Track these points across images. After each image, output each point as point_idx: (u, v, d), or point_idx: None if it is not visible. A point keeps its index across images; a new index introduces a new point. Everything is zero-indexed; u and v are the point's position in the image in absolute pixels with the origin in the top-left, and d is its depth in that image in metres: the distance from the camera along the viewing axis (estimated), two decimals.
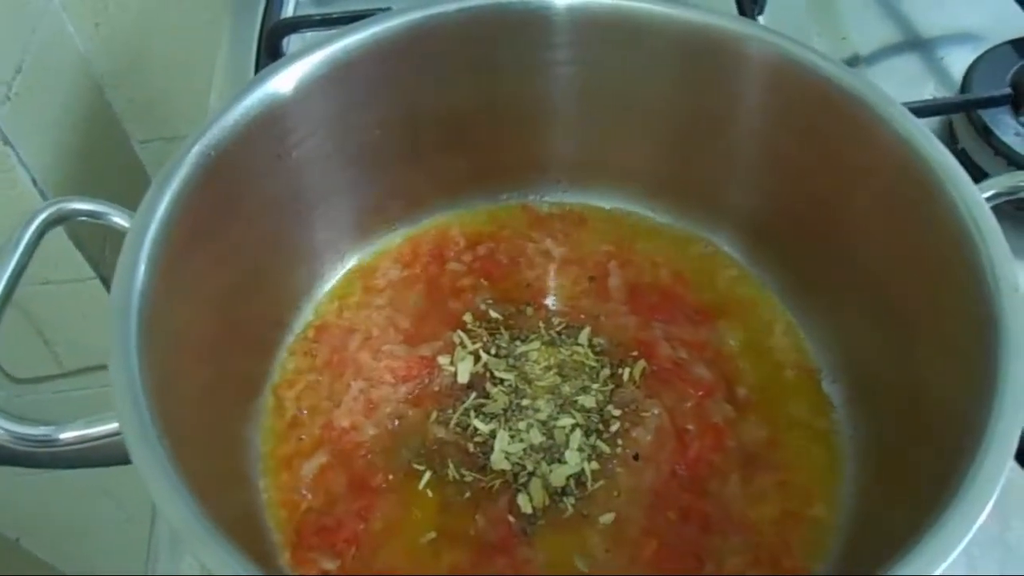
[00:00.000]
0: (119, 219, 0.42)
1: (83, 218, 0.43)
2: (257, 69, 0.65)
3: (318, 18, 0.64)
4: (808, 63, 0.43)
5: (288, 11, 0.67)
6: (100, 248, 0.81)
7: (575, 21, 0.46)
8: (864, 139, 0.42)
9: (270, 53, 0.65)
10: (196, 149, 0.39)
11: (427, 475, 0.44)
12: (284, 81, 0.43)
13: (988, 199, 0.39)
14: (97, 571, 1.24)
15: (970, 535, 0.30)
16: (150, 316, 0.35)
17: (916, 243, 0.40)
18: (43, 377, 0.91)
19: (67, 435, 0.35)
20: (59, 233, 0.74)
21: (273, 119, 0.43)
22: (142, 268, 0.36)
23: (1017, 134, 0.57)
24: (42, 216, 0.40)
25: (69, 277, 0.80)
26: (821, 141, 0.44)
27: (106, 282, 0.82)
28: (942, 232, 0.38)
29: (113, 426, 0.34)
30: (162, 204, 0.38)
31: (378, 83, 0.47)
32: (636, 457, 0.45)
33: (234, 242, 0.44)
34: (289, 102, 0.44)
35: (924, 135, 0.39)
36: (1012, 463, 0.40)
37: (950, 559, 0.30)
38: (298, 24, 0.64)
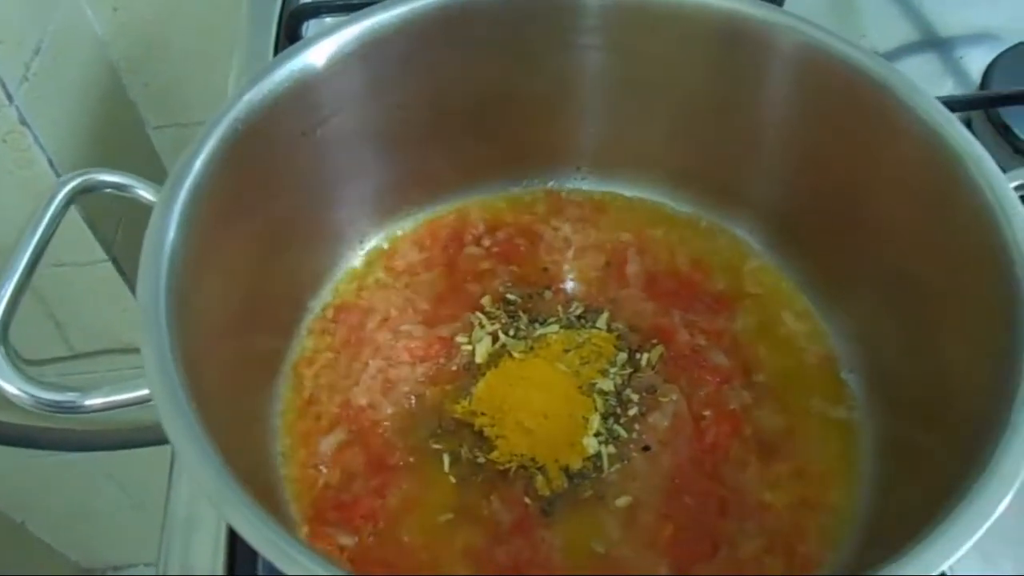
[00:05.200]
0: (144, 192, 0.43)
1: (109, 190, 0.43)
2: (276, 54, 0.65)
3: (339, 2, 0.64)
4: (836, 51, 0.43)
5: None
6: (113, 230, 0.81)
7: (607, 5, 0.46)
8: (890, 127, 0.42)
9: (290, 38, 0.65)
10: (225, 121, 0.40)
11: (444, 454, 0.45)
12: (314, 56, 0.43)
13: (1018, 187, 0.39)
14: (100, 555, 1.24)
15: (985, 527, 0.30)
16: (178, 284, 0.36)
17: (941, 232, 0.40)
18: (52, 359, 0.92)
19: (93, 401, 0.35)
20: (73, 214, 0.75)
21: (300, 95, 0.43)
22: (171, 234, 0.36)
23: None
24: (70, 186, 0.41)
25: (82, 259, 0.81)
26: (847, 130, 0.44)
27: (118, 264, 0.82)
28: (968, 220, 0.38)
29: (139, 393, 0.35)
30: (191, 173, 0.38)
31: (405, 63, 0.47)
32: (647, 448, 0.45)
33: (257, 217, 0.44)
34: (318, 78, 0.44)
35: (951, 123, 0.40)
36: None
37: (961, 552, 0.29)
38: (319, 8, 0.64)
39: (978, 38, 0.70)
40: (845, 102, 0.43)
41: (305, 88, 0.43)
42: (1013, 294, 0.35)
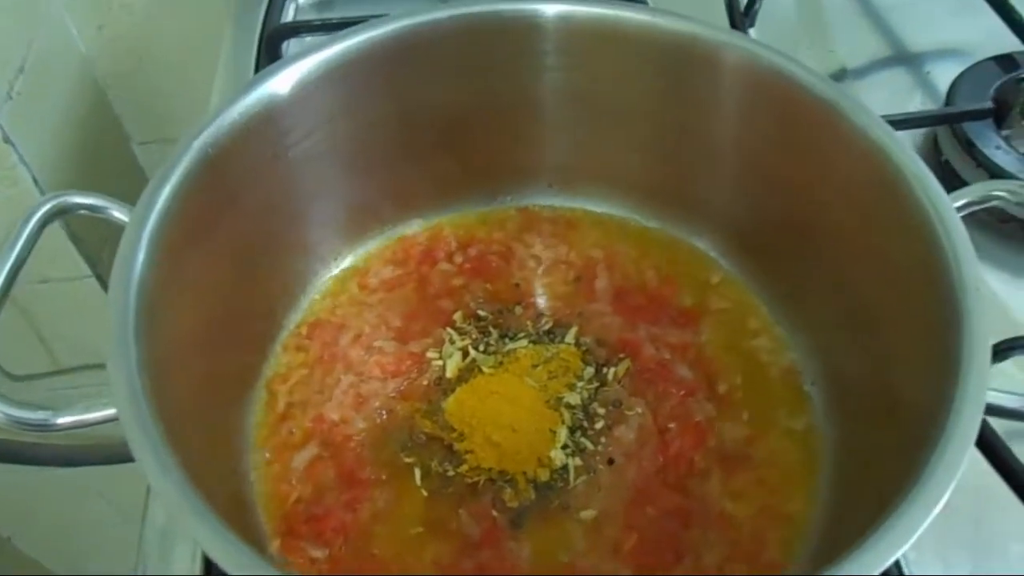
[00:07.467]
0: (119, 213, 0.43)
1: (83, 212, 0.44)
2: (257, 72, 0.66)
3: (318, 23, 0.65)
4: (783, 70, 0.44)
5: (288, 16, 0.68)
6: (98, 247, 0.82)
7: (563, 28, 0.48)
8: (838, 146, 0.43)
9: (270, 57, 0.66)
10: (195, 146, 0.41)
11: (415, 468, 0.45)
12: (282, 82, 0.45)
13: (961, 207, 0.40)
14: (88, 571, 1.24)
15: (928, 520, 0.30)
16: (148, 305, 0.36)
17: (888, 248, 0.41)
18: (39, 374, 0.92)
19: (64, 420, 0.36)
20: (58, 231, 0.76)
21: (270, 119, 0.44)
22: (140, 257, 0.37)
23: (999, 147, 0.59)
24: (44, 209, 0.41)
25: (67, 275, 0.81)
26: (798, 147, 0.46)
27: (103, 281, 0.83)
28: (912, 236, 0.39)
29: (109, 412, 0.35)
30: (161, 197, 0.39)
31: (373, 86, 0.48)
32: (611, 461, 0.46)
33: (230, 238, 0.45)
34: (286, 103, 0.45)
35: (896, 143, 0.41)
36: (982, 464, 0.42)
37: (905, 548, 0.30)
38: (298, 28, 0.66)
39: (945, 54, 0.71)
40: (794, 119, 0.44)
41: (275, 112, 0.44)
42: (952, 308, 0.36)
